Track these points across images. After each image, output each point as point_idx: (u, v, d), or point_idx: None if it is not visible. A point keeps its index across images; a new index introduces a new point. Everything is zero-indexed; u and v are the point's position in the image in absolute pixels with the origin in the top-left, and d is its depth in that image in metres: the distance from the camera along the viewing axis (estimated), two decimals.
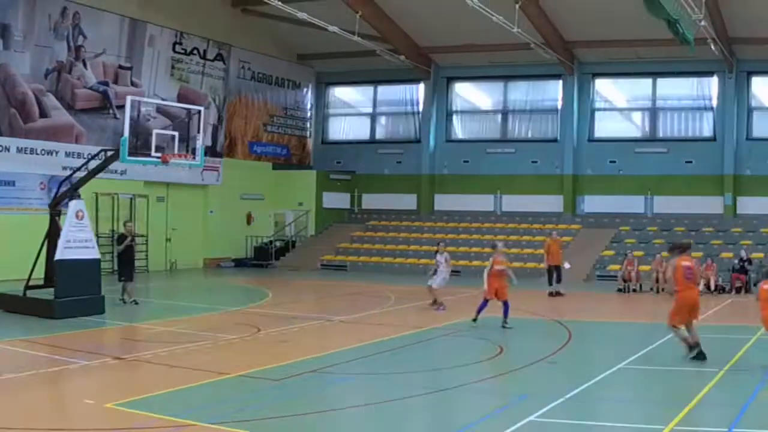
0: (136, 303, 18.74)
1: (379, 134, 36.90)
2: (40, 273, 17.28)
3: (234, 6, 31.98)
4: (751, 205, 29.68)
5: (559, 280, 22.62)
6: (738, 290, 23.52)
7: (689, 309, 12.42)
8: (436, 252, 19.60)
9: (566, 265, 22.90)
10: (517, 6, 25.94)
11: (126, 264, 19.04)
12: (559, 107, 33.06)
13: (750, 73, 30.32)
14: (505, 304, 15.87)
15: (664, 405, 9.60)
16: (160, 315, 18.03)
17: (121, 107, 23.09)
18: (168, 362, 11.96)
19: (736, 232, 28.27)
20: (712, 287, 23.20)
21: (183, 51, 29.79)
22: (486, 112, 35.48)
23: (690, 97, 31.59)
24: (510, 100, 34.36)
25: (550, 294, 22.27)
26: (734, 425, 8.57)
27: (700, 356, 12.14)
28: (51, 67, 25.14)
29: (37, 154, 24.73)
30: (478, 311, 16.02)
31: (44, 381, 10.89)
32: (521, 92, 34.13)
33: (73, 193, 17.32)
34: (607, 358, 12.61)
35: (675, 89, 31.86)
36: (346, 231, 33.81)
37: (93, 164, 18.02)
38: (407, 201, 34.91)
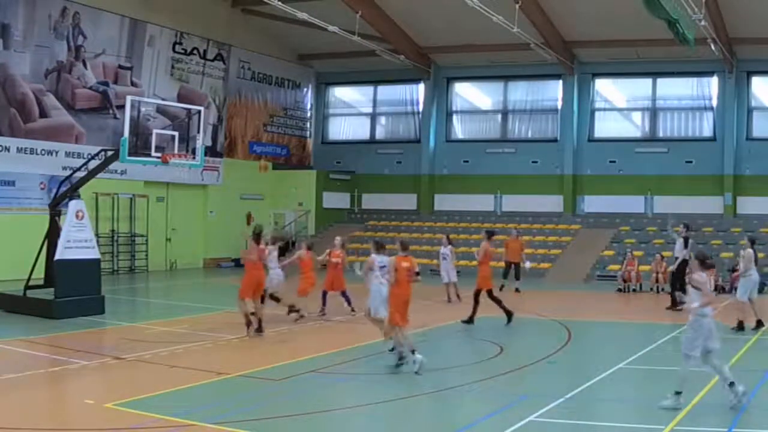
0: None
1: (379, 134, 36.90)
2: (40, 273, 17.28)
3: (234, 6, 31.98)
4: (751, 205, 29.68)
5: (517, 278, 23.42)
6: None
7: (256, 287, 14.34)
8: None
9: (527, 264, 23.55)
10: (517, 6, 25.94)
11: None
12: (559, 107, 33.06)
13: (750, 73, 30.31)
14: (343, 294, 17.22)
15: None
16: (160, 315, 18.05)
17: (121, 107, 23.10)
18: (168, 362, 11.96)
19: (736, 232, 28.24)
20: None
21: (183, 51, 29.79)
22: (486, 112, 35.47)
23: (690, 97, 31.59)
24: (510, 100, 34.36)
25: (501, 287, 22.52)
26: (734, 425, 8.57)
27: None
28: (51, 67, 25.14)
29: (37, 154, 24.73)
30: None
31: (44, 381, 10.90)
32: (521, 92, 34.12)
33: (72, 193, 17.31)
34: (607, 358, 12.61)
35: (675, 89, 31.85)
36: (346, 231, 33.74)
37: (93, 164, 18.01)
38: (407, 201, 34.90)
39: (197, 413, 8.93)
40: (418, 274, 12.09)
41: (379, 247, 13.11)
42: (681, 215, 29.54)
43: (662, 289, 23.44)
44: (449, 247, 20.14)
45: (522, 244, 24.46)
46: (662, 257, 24.01)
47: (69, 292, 16.34)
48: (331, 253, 17.55)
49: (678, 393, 9.31)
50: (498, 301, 16.35)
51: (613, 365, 11.92)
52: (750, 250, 16.06)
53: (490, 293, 16.29)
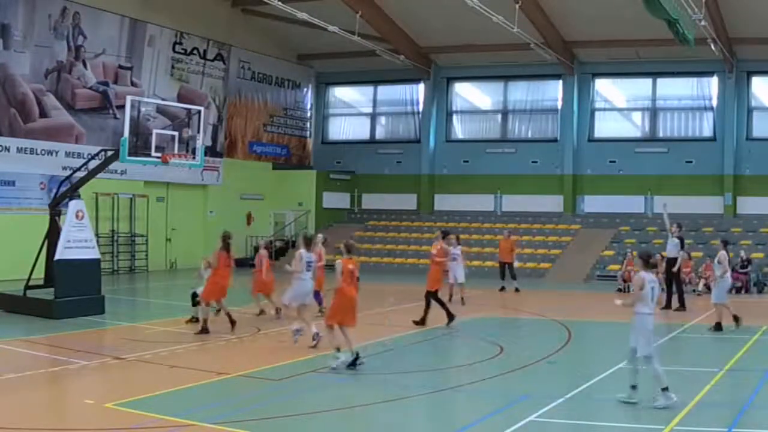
0: None
1: (379, 134, 36.91)
2: (40, 273, 17.27)
3: (234, 6, 31.99)
4: (751, 205, 29.67)
5: (513, 277, 23.64)
6: (738, 290, 23.51)
7: (220, 292, 14.73)
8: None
9: (515, 263, 24.01)
10: (517, 6, 25.94)
11: None
12: (559, 107, 33.05)
13: (750, 73, 30.31)
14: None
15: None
16: (160, 315, 18.04)
17: (121, 107, 23.08)
18: (168, 362, 11.97)
19: (736, 232, 28.24)
20: (713, 287, 23.15)
21: (183, 51, 29.79)
22: (486, 112, 35.47)
23: (690, 97, 31.58)
24: (510, 100, 34.35)
25: (501, 289, 23.24)
26: (734, 425, 8.57)
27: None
28: (51, 67, 25.13)
29: (37, 154, 24.73)
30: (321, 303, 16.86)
31: (44, 381, 10.90)
32: (521, 92, 34.12)
33: (73, 193, 17.31)
34: (607, 358, 12.60)
35: (675, 89, 31.84)
36: (346, 231, 33.76)
37: (93, 164, 18.02)
38: (407, 201, 34.90)
39: (197, 413, 8.93)
40: (358, 279, 12.11)
41: (308, 243, 13.62)
42: (681, 215, 29.73)
43: (662, 289, 23.42)
44: (459, 247, 19.90)
45: (513, 243, 24.46)
46: (662, 257, 23.96)
47: (69, 292, 16.34)
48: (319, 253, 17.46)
49: (665, 389, 9.44)
50: (442, 303, 16.11)
51: (613, 365, 11.90)
52: (724, 252, 15.97)
53: (435, 294, 16.03)
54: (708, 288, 23.14)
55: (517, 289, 23.12)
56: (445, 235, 17.09)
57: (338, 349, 11.64)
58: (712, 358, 12.83)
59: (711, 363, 12.16)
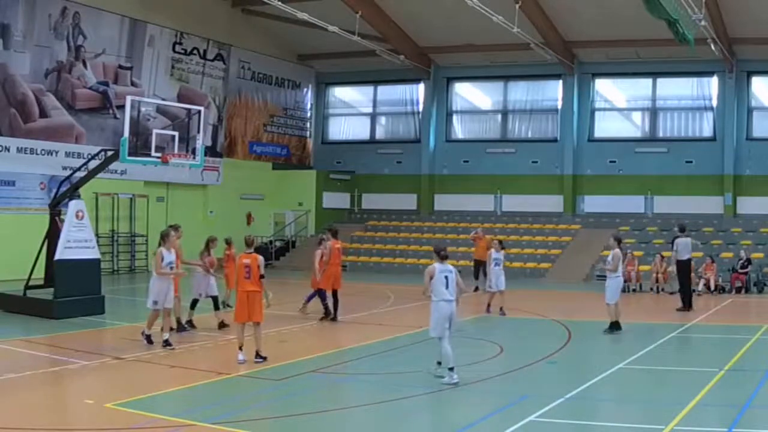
0: None
1: (379, 134, 36.92)
2: (40, 273, 17.28)
3: (234, 6, 32.01)
4: (751, 205, 29.68)
5: (476, 277, 23.23)
6: (738, 290, 23.54)
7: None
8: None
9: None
10: (517, 6, 25.94)
11: None
12: (559, 107, 33.05)
13: (750, 73, 30.31)
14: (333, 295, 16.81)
15: (664, 405, 9.60)
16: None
17: (121, 107, 23.10)
18: (168, 362, 11.97)
19: (736, 232, 28.25)
20: (712, 287, 23.19)
21: (183, 51, 29.79)
22: (486, 112, 35.47)
23: (690, 97, 31.59)
24: (510, 100, 34.36)
25: (475, 289, 22.47)
26: (734, 425, 8.57)
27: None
28: (51, 67, 25.14)
29: (37, 154, 24.73)
30: (308, 300, 17.11)
31: (44, 381, 10.89)
32: (521, 92, 34.12)
33: (73, 193, 17.31)
34: (607, 358, 12.62)
35: (675, 89, 31.85)
36: (346, 231, 33.70)
37: (93, 164, 18.02)
38: (407, 201, 34.92)
39: (197, 413, 8.93)
40: (262, 277, 12.01)
41: (163, 238, 13.84)
42: (681, 215, 29.82)
43: (662, 289, 23.45)
44: (502, 252, 18.52)
45: (488, 242, 24.21)
46: (662, 257, 24.01)
47: (69, 292, 16.33)
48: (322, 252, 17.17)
49: (451, 369, 10.44)
50: (328, 306, 16.35)
51: (613, 365, 11.93)
52: (618, 250, 15.42)
53: (320, 292, 16.37)
54: (708, 288, 23.20)
55: (476, 288, 22.59)
56: (334, 234, 16.65)
57: (241, 347, 11.84)
58: (712, 358, 12.84)
59: (711, 363, 12.16)
